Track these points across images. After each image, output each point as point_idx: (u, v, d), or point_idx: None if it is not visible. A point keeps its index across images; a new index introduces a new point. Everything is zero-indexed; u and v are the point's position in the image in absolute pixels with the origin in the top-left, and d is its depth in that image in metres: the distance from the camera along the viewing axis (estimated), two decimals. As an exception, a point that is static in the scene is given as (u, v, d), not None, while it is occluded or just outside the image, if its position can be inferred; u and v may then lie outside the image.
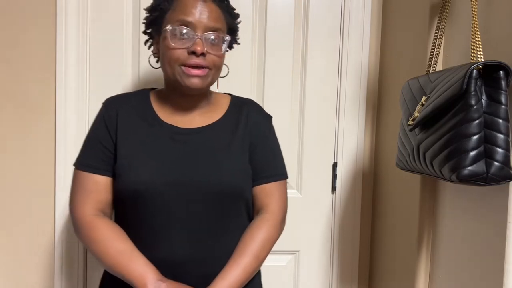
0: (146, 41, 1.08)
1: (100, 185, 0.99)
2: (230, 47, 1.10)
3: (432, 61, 1.05)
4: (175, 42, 0.95)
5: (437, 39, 1.04)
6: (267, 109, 1.47)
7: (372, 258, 1.53)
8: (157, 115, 1.03)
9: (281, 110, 1.48)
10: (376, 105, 1.51)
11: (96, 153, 1.00)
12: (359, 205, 1.52)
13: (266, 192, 1.05)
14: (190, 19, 0.94)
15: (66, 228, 1.40)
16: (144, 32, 1.07)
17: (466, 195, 0.96)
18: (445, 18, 1.03)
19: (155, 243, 0.96)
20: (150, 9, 1.03)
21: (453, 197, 1.02)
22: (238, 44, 1.12)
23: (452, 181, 0.82)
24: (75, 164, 1.01)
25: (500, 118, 0.77)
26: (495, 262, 0.85)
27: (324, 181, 1.52)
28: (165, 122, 1.02)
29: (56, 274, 1.40)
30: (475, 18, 0.87)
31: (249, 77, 1.47)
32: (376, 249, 1.50)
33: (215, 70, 0.99)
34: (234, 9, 1.06)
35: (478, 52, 0.85)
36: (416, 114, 0.96)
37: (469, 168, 0.78)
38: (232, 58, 1.45)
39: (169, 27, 0.95)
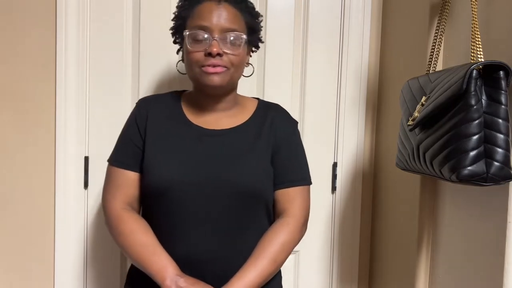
0: (178, 50, 1.12)
1: (129, 180, 1.04)
2: (257, 46, 1.13)
3: (432, 61, 1.05)
4: (193, 46, 0.99)
5: (437, 39, 1.04)
6: (267, 109, 1.47)
7: (372, 258, 1.53)
8: (186, 116, 1.07)
9: (281, 110, 1.48)
10: (376, 105, 1.51)
11: (127, 150, 1.06)
12: (359, 205, 1.52)
13: (289, 196, 1.07)
14: (206, 23, 0.99)
15: (65, 227, 1.40)
16: (174, 42, 1.11)
17: (466, 195, 0.96)
18: (445, 18, 1.03)
19: (175, 240, 0.99)
20: (173, 18, 1.08)
21: (453, 197, 1.02)
22: (262, 42, 1.14)
23: (452, 181, 0.82)
24: (108, 160, 1.08)
25: (500, 118, 0.77)
26: (495, 262, 0.85)
27: (324, 181, 1.52)
28: (193, 123, 1.06)
29: (56, 273, 1.40)
30: (475, 18, 0.87)
31: (249, 77, 1.46)
32: (376, 249, 1.50)
33: (233, 69, 1.01)
34: (254, 8, 1.09)
35: (478, 52, 0.85)
36: (416, 114, 0.96)
37: (469, 168, 0.78)
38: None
39: (186, 32, 1.00)
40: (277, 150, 1.07)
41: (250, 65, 1.13)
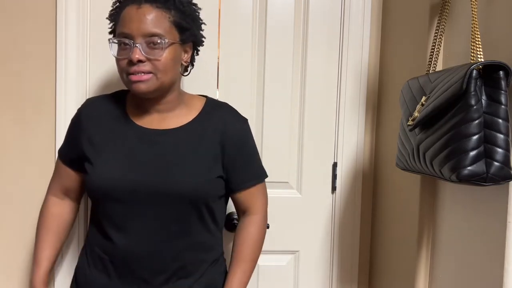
0: None
1: (66, 173, 1.14)
2: (197, 43, 1.10)
3: (432, 61, 1.05)
4: (118, 53, 1.00)
5: (437, 39, 1.04)
6: (267, 109, 1.47)
7: (372, 258, 1.53)
8: (129, 116, 1.08)
9: (281, 110, 1.48)
10: (376, 105, 1.51)
11: (70, 147, 1.12)
12: (359, 205, 1.52)
13: (251, 195, 1.13)
14: (127, 30, 0.97)
15: (66, 228, 1.40)
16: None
17: (466, 195, 0.96)
18: (445, 18, 1.03)
19: (115, 237, 1.02)
20: (109, 22, 1.08)
21: (453, 197, 1.02)
22: (203, 38, 1.12)
23: (452, 181, 0.82)
24: (58, 151, 1.17)
25: (500, 118, 0.77)
26: (495, 262, 0.85)
27: (324, 181, 1.52)
28: (135, 123, 1.06)
29: (56, 273, 1.40)
30: (475, 18, 0.87)
31: (249, 77, 1.47)
32: (376, 249, 1.50)
33: (160, 73, 0.98)
34: (185, 4, 1.04)
35: (478, 52, 0.85)
36: (416, 114, 0.96)
37: (469, 168, 0.78)
38: (232, 57, 1.45)
39: (111, 40, 1.01)
40: (228, 150, 1.07)
41: (189, 64, 1.11)
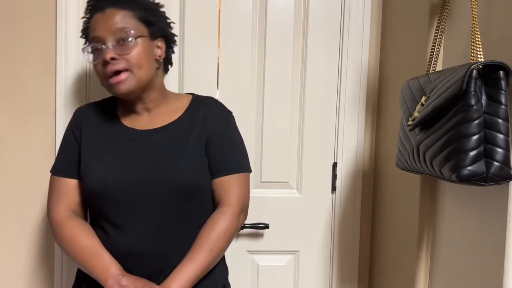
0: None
1: (70, 187, 1.07)
2: (170, 39, 1.11)
3: (432, 61, 1.05)
4: (93, 58, 1.01)
5: (437, 39, 1.04)
6: (268, 109, 1.47)
7: (372, 258, 1.53)
8: (120, 120, 1.10)
9: (281, 110, 1.48)
10: (376, 105, 1.51)
11: (66, 159, 1.08)
12: (359, 205, 1.52)
13: (223, 185, 1.08)
14: (96, 33, 1.00)
15: (66, 228, 1.40)
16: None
17: (466, 195, 0.97)
18: (445, 18, 1.03)
19: (116, 238, 1.02)
20: (82, 28, 1.08)
21: (453, 197, 1.02)
22: (171, 28, 1.13)
23: (452, 181, 0.82)
24: (50, 170, 1.10)
25: (500, 118, 0.77)
26: (495, 262, 0.85)
27: (324, 181, 1.52)
28: (126, 126, 1.08)
29: (56, 273, 1.40)
30: (475, 18, 0.87)
31: (249, 77, 1.47)
32: (376, 249, 1.50)
33: (136, 69, 1.00)
34: (144, 2, 1.06)
35: (478, 52, 0.85)
36: (416, 114, 0.96)
37: (469, 168, 0.78)
38: (232, 57, 1.45)
39: (84, 47, 1.02)
40: (210, 141, 1.08)
41: (168, 62, 1.14)
